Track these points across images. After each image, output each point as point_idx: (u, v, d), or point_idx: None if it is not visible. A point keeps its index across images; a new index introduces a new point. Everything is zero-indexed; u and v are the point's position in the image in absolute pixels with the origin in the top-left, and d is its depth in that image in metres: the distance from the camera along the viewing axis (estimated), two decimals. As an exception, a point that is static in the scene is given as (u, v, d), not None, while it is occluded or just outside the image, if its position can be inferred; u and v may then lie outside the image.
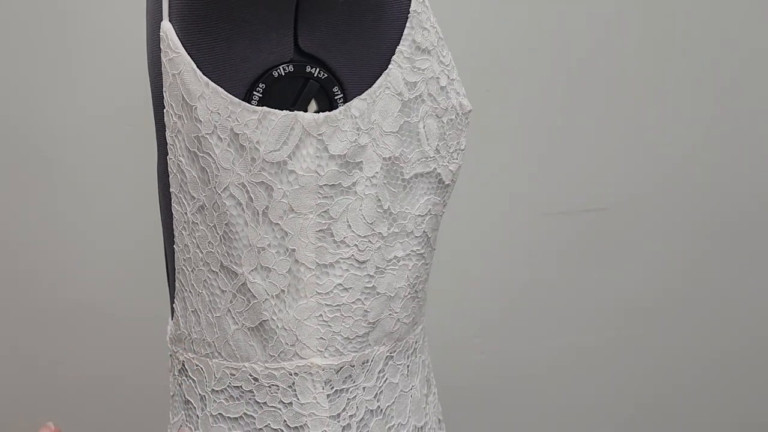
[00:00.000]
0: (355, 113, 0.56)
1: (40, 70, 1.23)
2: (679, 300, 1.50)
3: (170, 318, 0.73)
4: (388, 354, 0.63)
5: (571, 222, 1.43)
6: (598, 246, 1.45)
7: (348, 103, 0.56)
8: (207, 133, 0.53)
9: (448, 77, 0.62)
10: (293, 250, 0.56)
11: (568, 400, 1.52)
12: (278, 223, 0.55)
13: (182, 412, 0.64)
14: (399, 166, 0.60)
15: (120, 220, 1.29)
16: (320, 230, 0.56)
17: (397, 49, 0.58)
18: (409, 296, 0.63)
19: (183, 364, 0.63)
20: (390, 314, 0.62)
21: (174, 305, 0.63)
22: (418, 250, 0.63)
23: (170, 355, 0.68)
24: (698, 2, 1.38)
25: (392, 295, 0.61)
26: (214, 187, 0.54)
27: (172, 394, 0.67)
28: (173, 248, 0.61)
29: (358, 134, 0.56)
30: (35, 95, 1.24)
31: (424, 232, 0.63)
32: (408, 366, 0.65)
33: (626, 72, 1.40)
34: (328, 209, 0.56)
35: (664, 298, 1.49)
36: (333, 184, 0.56)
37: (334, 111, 0.55)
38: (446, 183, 0.64)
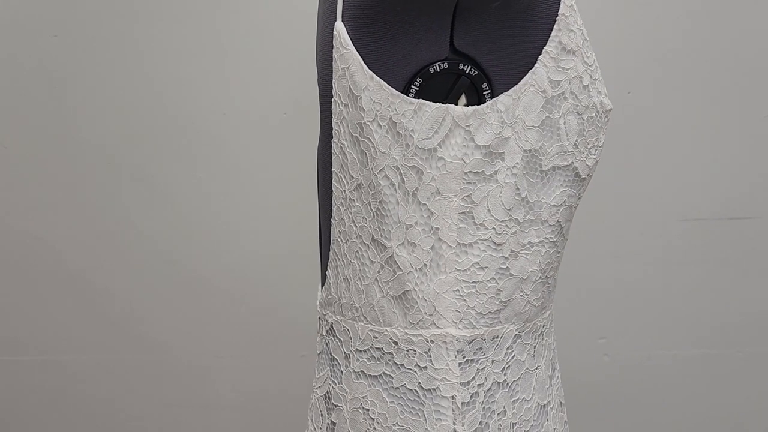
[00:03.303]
0: (501, 108, 0.61)
1: (210, 63, 1.38)
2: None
3: (320, 284, 0.82)
4: (516, 333, 0.67)
5: (711, 230, 1.39)
6: (739, 256, 1.40)
7: (495, 99, 0.61)
8: (369, 121, 0.60)
9: (591, 77, 0.66)
10: (437, 229, 0.62)
11: (690, 413, 1.48)
12: (425, 204, 0.61)
13: (327, 368, 0.72)
14: (538, 159, 0.64)
15: (274, 195, 1.42)
16: (462, 212, 0.62)
17: (543, 50, 0.63)
18: (540, 280, 0.68)
19: (331, 326, 0.71)
20: (521, 295, 0.66)
21: (326, 273, 0.71)
22: (551, 237, 0.67)
23: (319, 317, 0.76)
24: None
25: (524, 278, 0.66)
26: (372, 169, 0.62)
27: (318, 352, 0.76)
28: (329, 222, 0.69)
29: (503, 127, 0.61)
30: (204, 85, 1.39)
31: (557, 221, 0.67)
32: (535, 347, 0.70)
33: None
34: (470, 194, 0.62)
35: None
36: (477, 172, 0.62)
37: (482, 105, 0.61)
38: (582, 177, 0.68)
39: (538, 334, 0.70)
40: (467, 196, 0.62)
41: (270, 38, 1.36)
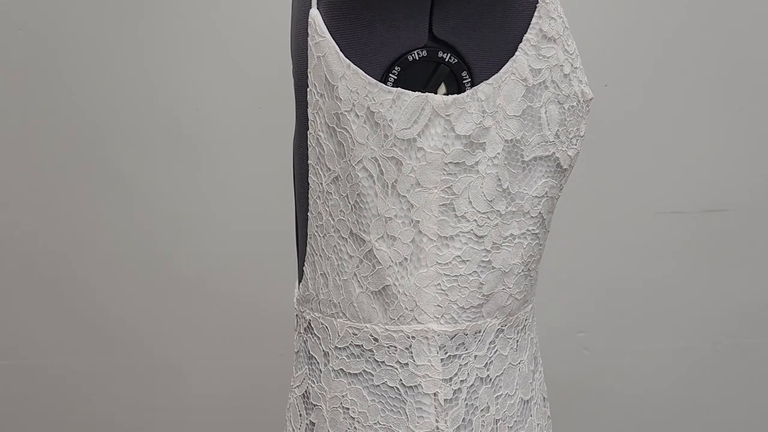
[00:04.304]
0: (482, 96, 0.59)
1: (183, 58, 1.35)
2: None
3: (297, 281, 0.80)
4: (499, 327, 0.66)
5: (687, 222, 1.39)
6: (716, 248, 1.41)
7: (475, 87, 0.59)
8: (346, 111, 0.59)
9: (572, 65, 0.65)
10: (417, 222, 0.60)
11: (670, 405, 1.48)
12: (405, 196, 0.60)
13: (306, 366, 0.70)
14: (520, 149, 0.63)
15: (250, 191, 1.39)
16: (443, 204, 0.61)
17: (524, 37, 0.61)
18: (522, 273, 0.66)
19: (309, 323, 0.69)
20: (503, 289, 0.65)
21: (304, 268, 0.69)
22: (533, 230, 0.66)
23: (296, 314, 0.74)
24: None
25: (506, 271, 0.65)
26: (349, 160, 0.60)
27: (296, 350, 0.73)
28: (306, 216, 0.67)
29: (483, 116, 0.60)
30: (177, 80, 1.36)
31: (539, 213, 0.66)
32: (517, 341, 0.68)
33: (751, 70, 1.35)
34: (451, 185, 0.60)
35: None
36: (457, 162, 0.60)
37: (462, 94, 0.59)
38: (564, 167, 0.67)
39: (520, 328, 0.69)
40: (448, 187, 0.60)
41: (243, 32, 1.33)
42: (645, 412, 1.48)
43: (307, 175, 0.65)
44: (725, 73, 1.35)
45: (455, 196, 0.61)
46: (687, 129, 1.37)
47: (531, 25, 0.62)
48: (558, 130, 0.65)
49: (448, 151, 0.59)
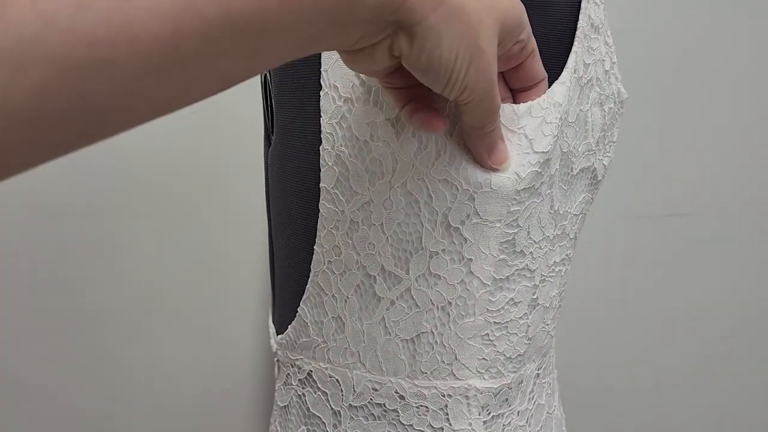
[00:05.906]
0: (559, 100, 0.48)
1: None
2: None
3: (271, 321, 0.66)
4: (536, 372, 0.57)
5: (655, 226, 1.36)
6: (685, 252, 1.38)
7: (550, 90, 0.48)
8: (389, 118, 0.47)
9: (611, 60, 0.56)
10: (469, 260, 0.49)
11: (650, 417, 1.45)
12: (458, 228, 0.48)
13: (303, 426, 0.58)
14: (570, 161, 0.53)
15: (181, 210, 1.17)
16: (506, 241, 0.49)
17: (578, 25, 0.51)
18: (557, 306, 0.58)
19: (308, 374, 0.57)
20: (543, 327, 0.56)
21: (299, 311, 0.56)
22: (569, 254, 0.57)
23: (278, 360, 0.62)
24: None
25: (547, 306, 0.56)
26: (389, 181, 0.48)
27: (283, 404, 0.61)
28: (310, 250, 0.54)
29: (556, 125, 0.49)
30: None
31: (575, 234, 0.58)
32: (550, 383, 0.60)
33: (721, 75, 1.34)
34: (518, 218, 0.48)
35: (755, 309, 1.42)
36: (527, 188, 0.48)
37: (538, 99, 0.48)
38: (599, 179, 0.58)
39: (551, 368, 0.61)
40: (514, 220, 0.48)
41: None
42: (613, 422, 1.44)
43: (316, 203, 0.52)
44: (685, 75, 1.33)
45: (519, 230, 0.49)
46: (648, 132, 1.33)
47: (581, 10, 0.51)
48: (599, 137, 0.56)
49: (523, 175, 0.48)
